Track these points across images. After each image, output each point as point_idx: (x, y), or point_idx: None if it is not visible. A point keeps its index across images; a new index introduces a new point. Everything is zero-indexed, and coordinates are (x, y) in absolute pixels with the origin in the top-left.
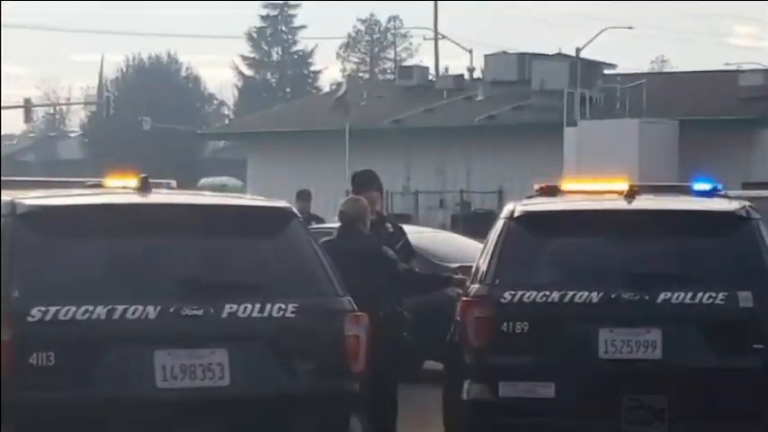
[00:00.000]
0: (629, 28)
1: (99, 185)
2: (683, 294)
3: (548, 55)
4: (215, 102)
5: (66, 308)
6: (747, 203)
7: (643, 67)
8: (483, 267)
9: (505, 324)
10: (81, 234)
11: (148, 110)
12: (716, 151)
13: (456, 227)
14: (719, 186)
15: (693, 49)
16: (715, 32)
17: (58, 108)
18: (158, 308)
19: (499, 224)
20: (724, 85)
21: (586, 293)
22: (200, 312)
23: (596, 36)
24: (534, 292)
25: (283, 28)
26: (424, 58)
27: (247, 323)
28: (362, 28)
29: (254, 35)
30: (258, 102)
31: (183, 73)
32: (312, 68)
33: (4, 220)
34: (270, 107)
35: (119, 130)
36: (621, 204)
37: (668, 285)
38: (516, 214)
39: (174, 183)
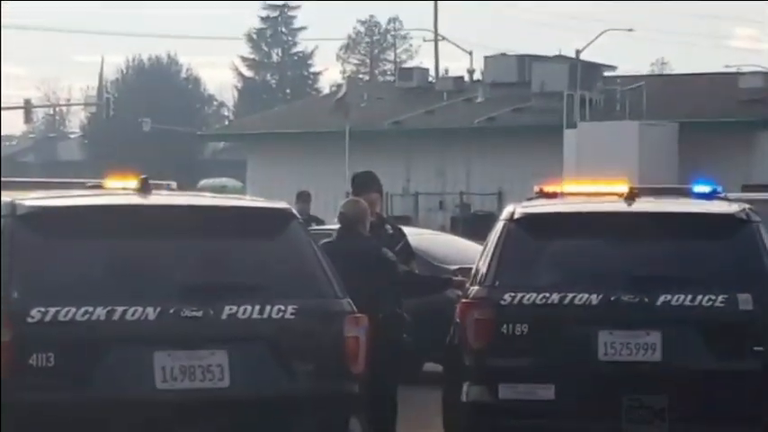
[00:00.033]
0: (630, 30)
1: (99, 186)
2: (682, 297)
3: (548, 57)
4: (215, 103)
5: (66, 309)
6: (747, 206)
7: (643, 69)
8: (483, 269)
9: (505, 326)
10: (81, 235)
11: (148, 111)
12: (716, 153)
13: (456, 228)
14: (719, 189)
15: (693, 51)
16: (715, 35)
17: (57, 109)
18: (158, 309)
19: (499, 226)
20: (724, 88)
21: (586, 295)
22: (199, 314)
23: (596, 38)
24: (534, 294)
25: (283, 29)
26: (424, 59)
27: (247, 324)
28: (362, 29)
29: (254, 36)
30: (258, 103)
31: (183, 74)
32: (312, 70)
33: (4, 221)
34: (270, 108)
35: (119, 131)
36: (621, 206)
37: (668, 288)
38: (516, 216)
39: (174, 184)
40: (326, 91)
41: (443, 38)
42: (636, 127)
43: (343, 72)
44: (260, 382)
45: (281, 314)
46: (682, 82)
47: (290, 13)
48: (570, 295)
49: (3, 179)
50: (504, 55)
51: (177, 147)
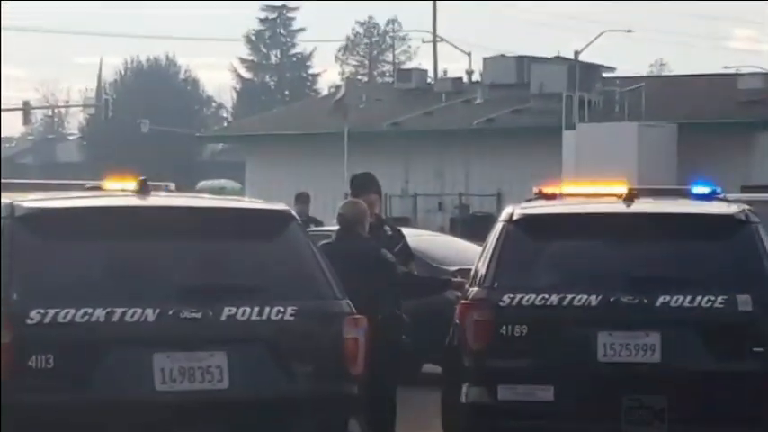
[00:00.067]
0: (628, 31)
1: (98, 188)
2: (681, 298)
3: (546, 58)
4: (213, 104)
5: (66, 310)
6: (746, 207)
7: (642, 70)
8: (482, 270)
9: (504, 327)
10: (80, 237)
11: (147, 112)
12: (714, 154)
13: (455, 230)
14: (718, 190)
15: (692, 52)
16: (714, 35)
17: (56, 110)
18: (157, 310)
19: (498, 227)
20: (723, 89)
21: (585, 297)
22: (198, 315)
23: (595, 39)
24: (533, 296)
25: (282, 31)
26: (422, 60)
27: (246, 326)
28: (361, 31)
29: (253, 38)
30: (257, 104)
31: (182, 75)
32: (311, 71)
33: (3, 223)
34: (268, 110)
35: (117, 132)
36: (620, 208)
37: (667, 289)
38: (515, 217)
39: (172, 185)
40: (325, 92)
41: (442, 39)
42: (635, 128)
43: (342, 73)
44: (259, 384)
45: (280, 315)
46: (680, 83)
47: (288, 15)
48: (569, 296)
49: (2, 181)
50: (502, 56)
51: (176, 148)
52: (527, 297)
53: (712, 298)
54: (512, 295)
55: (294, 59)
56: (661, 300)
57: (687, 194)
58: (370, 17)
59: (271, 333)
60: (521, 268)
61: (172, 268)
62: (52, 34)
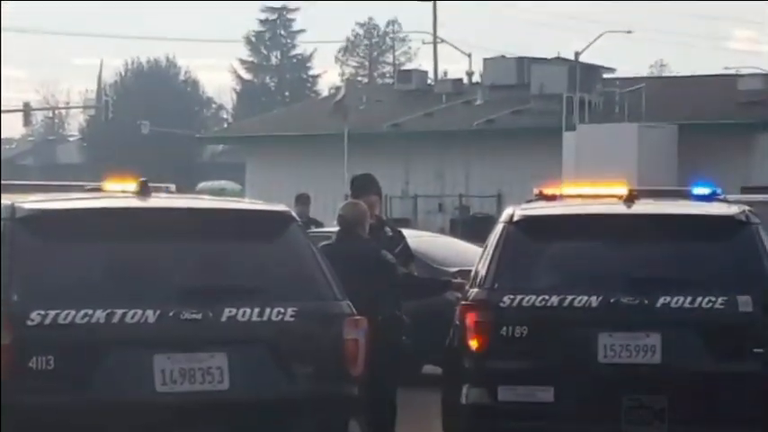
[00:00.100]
0: (629, 32)
1: (98, 189)
2: (682, 299)
3: (547, 59)
4: (213, 106)
5: (66, 311)
6: (747, 208)
7: (642, 71)
8: (482, 271)
9: (504, 328)
10: (80, 238)
11: (147, 114)
12: (715, 155)
13: (455, 231)
14: (718, 190)
15: (692, 52)
16: (714, 36)
17: (56, 112)
18: (158, 312)
19: (498, 228)
20: (723, 90)
21: (586, 298)
22: (199, 316)
23: (595, 40)
24: (533, 297)
25: (282, 32)
26: (422, 61)
27: (246, 327)
28: (361, 32)
29: (253, 39)
30: (257, 106)
31: (182, 77)
32: (311, 72)
33: (4, 224)
34: (268, 111)
35: (117, 133)
36: (621, 209)
37: (667, 290)
38: (515, 218)
39: (172, 187)
40: (325, 93)
41: (442, 40)
42: (635, 129)
43: (342, 74)
44: (259, 385)
45: (280, 317)
46: (681, 84)
47: (288, 16)
48: (570, 297)
49: (2, 182)
50: (503, 57)
51: (176, 149)
52: (527, 298)
53: (713, 299)
54: (512, 296)
55: (294, 60)
56: (661, 301)
57: (687, 195)
58: (371, 18)
59: (271, 334)
60: (521, 269)
61: (172, 269)
62: (52, 35)
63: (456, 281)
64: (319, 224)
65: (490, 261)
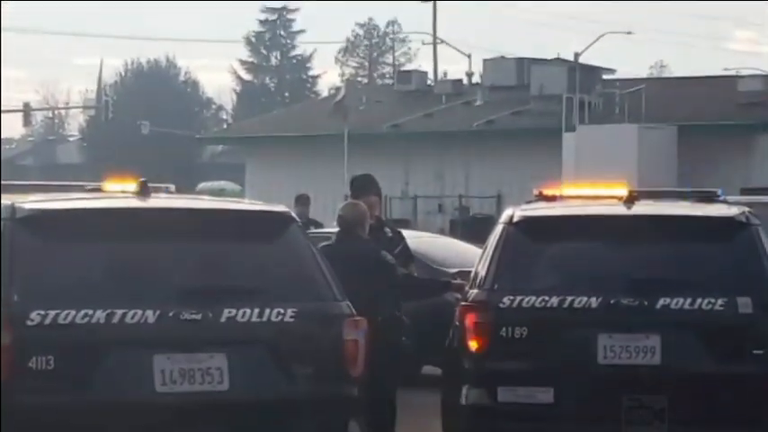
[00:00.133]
0: (628, 33)
1: (98, 189)
2: (682, 300)
3: (546, 60)
4: (213, 106)
5: (66, 312)
6: (747, 209)
7: (642, 72)
8: (482, 272)
9: (504, 329)
10: (80, 238)
11: (147, 114)
12: (715, 156)
13: (455, 232)
14: (719, 192)
15: (692, 53)
16: (714, 37)
17: (56, 112)
18: (157, 312)
19: (498, 229)
20: (723, 91)
21: (585, 299)
22: (198, 317)
23: (595, 41)
24: (533, 298)
25: (282, 32)
26: (422, 62)
27: (246, 328)
28: (361, 32)
29: (253, 39)
30: (257, 106)
31: (182, 77)
32: (311, 73)
33: (4, 224)
34: (268, 112)
35: (117, 134)
36: (621, 210)
37: (667, 291)
38: (515, 219)
39: (172, 187)
40: (325, 94)
41: (442, 41)
42: (635, 130)
43: (342, 75)
44: (259, 385)
45: (280, 317)
46: (681, 85)
47: (288, 17)
48: (569, 298)
49: (2, 182)
50: (502, 58)
51: (176, 150)
52: (527, 299)
53: (712, 300)
54: (512, 297)
55: (294, 61)
56: (661, 302)
57: (687, 196)
58: (370, 19)
59: (271, 335)
60: (521, 270)
61: (172, 270)
62: (52, 35)
63: (456, 282)
64: (319, 225)
65: (490, 262)
